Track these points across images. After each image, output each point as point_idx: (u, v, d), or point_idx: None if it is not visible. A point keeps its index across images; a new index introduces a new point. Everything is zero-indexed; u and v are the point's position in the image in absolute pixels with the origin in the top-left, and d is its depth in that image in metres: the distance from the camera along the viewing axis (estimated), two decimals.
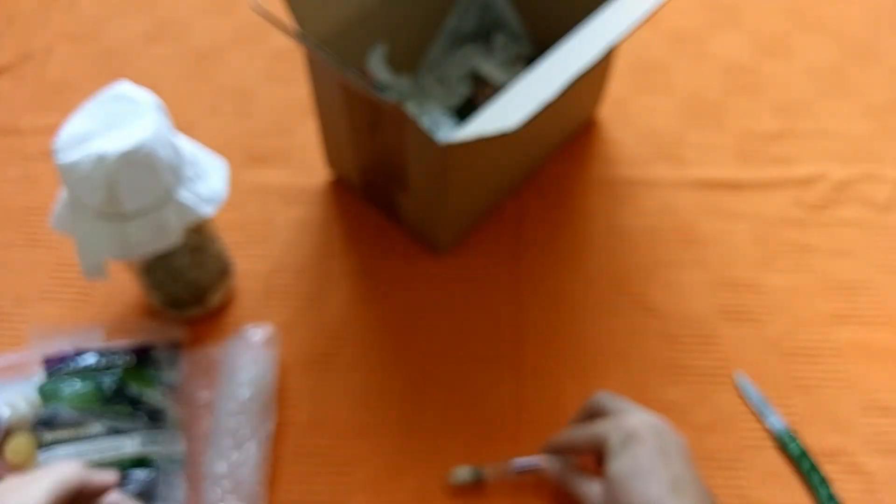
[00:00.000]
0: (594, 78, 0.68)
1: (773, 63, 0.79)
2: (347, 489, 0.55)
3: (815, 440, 0.57)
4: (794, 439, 0.56)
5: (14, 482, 0.43)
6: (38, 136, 0.72)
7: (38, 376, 0.55)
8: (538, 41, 0.75)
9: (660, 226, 0.68)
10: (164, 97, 0.52)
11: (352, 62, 0.67)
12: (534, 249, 0.66)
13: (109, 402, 0.53)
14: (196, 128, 0.72)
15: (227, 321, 0.62)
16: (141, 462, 0.52)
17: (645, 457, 0.47)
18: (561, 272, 0.65)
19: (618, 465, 0.47)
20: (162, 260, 0.55)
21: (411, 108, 0.72)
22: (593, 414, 0.52)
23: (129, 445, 0.52)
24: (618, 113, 0.75)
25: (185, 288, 0.59)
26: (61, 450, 0.51)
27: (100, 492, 0.46)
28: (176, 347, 0.59)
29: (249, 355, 0.57)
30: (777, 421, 0.57)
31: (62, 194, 0.51)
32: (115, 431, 0.52)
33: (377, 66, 0.70)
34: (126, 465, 0.51)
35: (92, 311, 0.62)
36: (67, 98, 0.75)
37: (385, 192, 0.65)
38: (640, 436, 0.48)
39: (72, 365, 0.55)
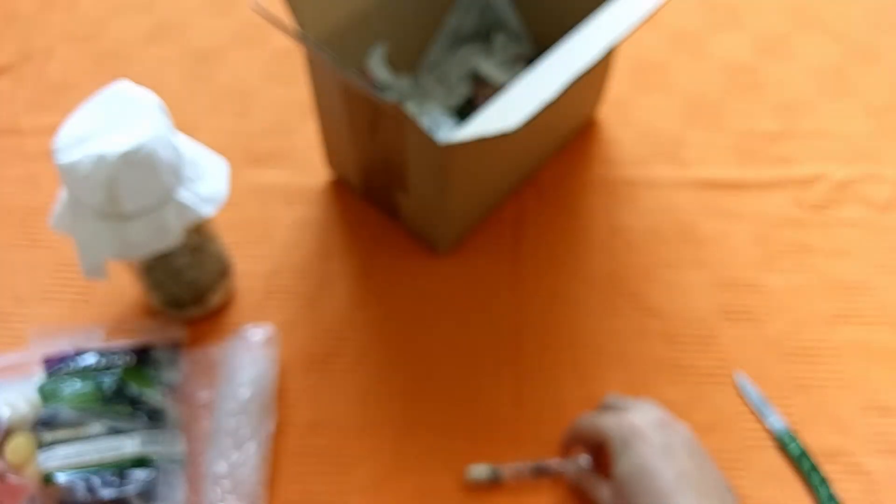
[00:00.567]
0: (594, 78, 0.68)
1: (773, 63, 0.79)
2: (347, 489, 0.55)
3: (815, 440, 0.57)
4: (794, 439, 0.56)
5: None
6: (38, 136, 0.72)
7: (38, 376, 0.55)
8: (538, 41, 0.75)
9: (660, 226, 0.68)
10: (164, 97, 0.52)
11: (352, 62, 0.67)
12: (534, 249, 0.66)
13: (109, 402, 0.53)
14: (196, 128, 0.72)
15: (227, 321, 0.62)
16: (141, 462, 0.52)
17: (648, 455, 0.46)
18: (561, 272, 0.65)
19: (622, 465, 0.47)
20: (162, 260, 0.55)
21: (411, 108, 0.72)
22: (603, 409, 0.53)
23: (129, 445, 0.52)
24: (618, 113, 0.75)
25: (185, 288, 0.59)
26: (61, 450, 0.51)
27: None
28: (176, 347, 0.59)
29: (249, 355, 0.57)
30: (777, 421, 0.57)
31: (62, 194, 0.51)
32: (115, 431, 0.52)
33: (377, 66, 0.70)
34: (126, 465, 0.51)
35: (92, 311, 0.62)
36: (67, 98, 0.75)
37: (385, 192, 0.65)
38: (642, 434, 0.47)
39: (72, 365, 0.55)
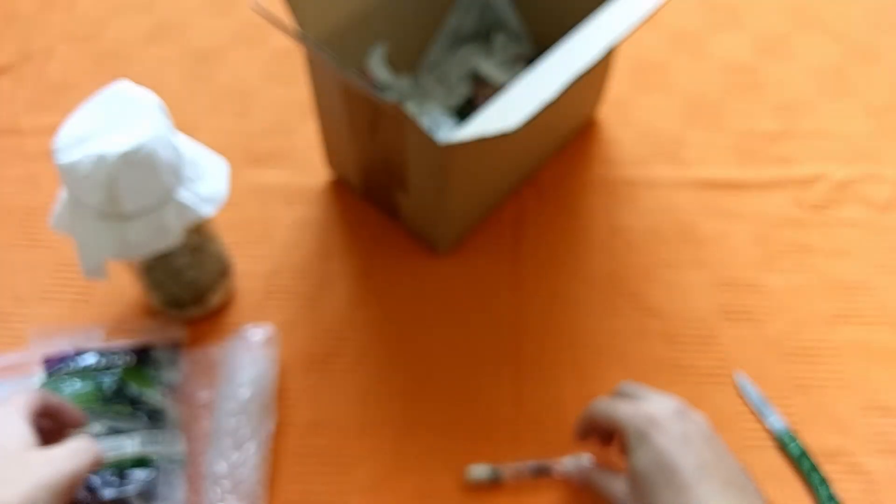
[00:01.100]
0: (594, 78, 0.68)
1: (773, 63, 0.79)
2: (347, 489, 0.55)
3: (815, 440, 0.57)
4: (794, 439, 0.56)
5: None
6: (38, 136, 0.72)
7: (38, 376, 0.55)
8: (538, 41, 0.75)
9: (660, 226, 0.68)
10: (164, 97, 0.52)
11: (352, 62, 0.67)
12: (534, 249, 0.66)
13: (109, 402, 0.53)
14: (196, 128, 0.72)
15: (227, 321, 0.62)
16: (141, 462, 0.52)
17: (667, 446, 0.45)
18: (561, 272, 0.65)
19: (640, 458, 0.45)
20: (162, 260, 0.55)
21: (411, 108, 0.72)
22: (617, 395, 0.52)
23: (129, 445, 0.52)
24: (618, 113, 0.75)
25: (185, 288, 0.59)
26: None
27: (70, 422, 0.49)
28: (176, 347, 0.59)
29: (249, 355, 0.57)
30: (777, 421, 0.57)
31: (62, 194, 0.51)
32: (115, 431, 0.52)
33: (377, 66, 0.70)
34: (126, 465, 0.51)
35: (92, 311, 0.62)
36: (67, 98, 0.75)
37: (385, 192, 0.65)
38: (659, 424, 0.46)
39: (72, 365, 0.55)
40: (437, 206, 0.60)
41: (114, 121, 0.48)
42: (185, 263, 0.57)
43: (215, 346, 0.59)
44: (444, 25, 0.75)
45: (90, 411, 0.52)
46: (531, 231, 0.67)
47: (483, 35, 0.77)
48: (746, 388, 0.59)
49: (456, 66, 0.75)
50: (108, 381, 0.54)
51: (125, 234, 0.50)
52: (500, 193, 0.68)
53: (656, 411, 0.47)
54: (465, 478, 0.55)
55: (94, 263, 0.52)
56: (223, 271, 0.61)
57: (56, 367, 0.55)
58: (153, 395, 0.55)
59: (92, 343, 0.58)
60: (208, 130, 0.73)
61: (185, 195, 0.51)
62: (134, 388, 0.54)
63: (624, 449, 0.48)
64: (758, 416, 0.58)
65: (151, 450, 0.52)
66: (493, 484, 0.54)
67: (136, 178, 0.48)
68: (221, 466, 0.53)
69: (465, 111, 0.73)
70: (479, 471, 0.54)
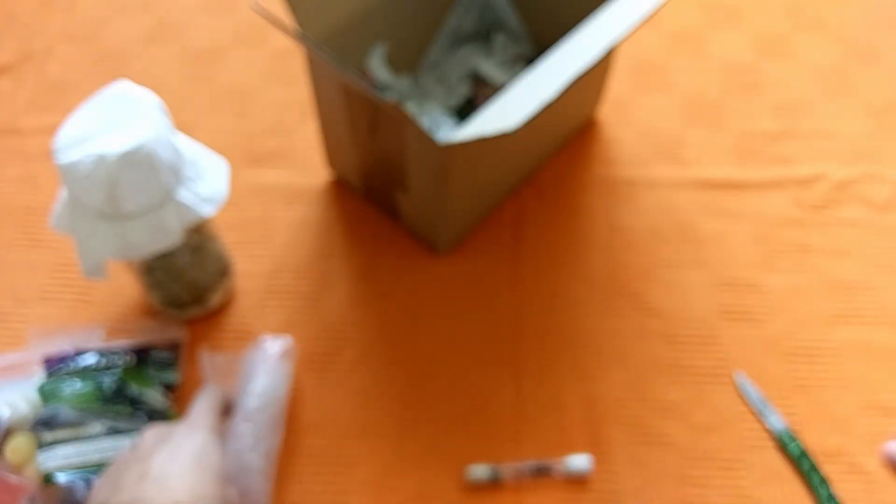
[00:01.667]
0: (594, 78, 0.68)
1: (773, 63, 0.79)
2: (347, 489, 0.55)
3: (815, 440, 0.57)
4: (794, 439, 0.56)
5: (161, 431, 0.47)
6: (38, 136, 0.72)
7: (38, 376, 0.55)
8: (538, 41, 0.75)
9: (660, 226, 0.68)
10: (164, 97, 0.52)
11: (352, 62, 0.67)
12: (533, 249, 0.66)
13: (109, 402, 0.53)
14: (196, 128, 0.72)
15: (227, 321, 0.62)
16: None
17: None
18: (561, 272, 0.65)
19: None
20: (162, 260, 0.55)
21: (411, 108, 0.72)
22: None
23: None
24: (618, 113, 0.75)
25: (185, 288, 0.59)
26: (61, 450, 0.51)
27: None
28: (176, 347, 0.59)
29: (265, 366, 0.56)
30: (777, 421, 0.57)
31: (62, 194, 0.51)
32: (115, 431, 0.52)
33: (377, 66, 0.70)
34: None
35: (92, 311, 0.62)
36: (67, 98, 0.75)
37: (385, 192, 0.65)
38: None
39: (72, 365, 0.55)
40: (437, 206, 0.60)
41: (114, 121, 0.48)
42: (185, 263, 0.57)
43: (235, 354, 0.58)
44: (444, 25, 0.75)
45: (90, 411, 0.53)
46: (531, 231, 0.67)
47: (483, 35, 0.77)
48: (746, 388, 0.59)
49: (456, 66, 0.75)
50: (108, 381, 0.54)
51: (125, 234, 0.50)
52: (500, 193, 0.68)
53: None
54: (465, 478, 0.55)
55: (94, 263, 0.52)
56: (223, 271, 0.61)
57: (56, 367, 0.55)
58: (153, 395, 0.55)
59: (92, 343, 0.58)
60: (208, 130, 0.73)
61: (185, 195, 0.51)
62: (134, 388, 0.54)
63: None
64: (758, 416, 0.58)
65: None
66: (493, 484, 0.55)
67: (136, 178, 0.48)
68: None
69: (465, 111, 0.73)
70: (479, 471, 0.54)
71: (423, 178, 0.58)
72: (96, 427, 0.52)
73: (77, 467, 0.51)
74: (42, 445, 0.52)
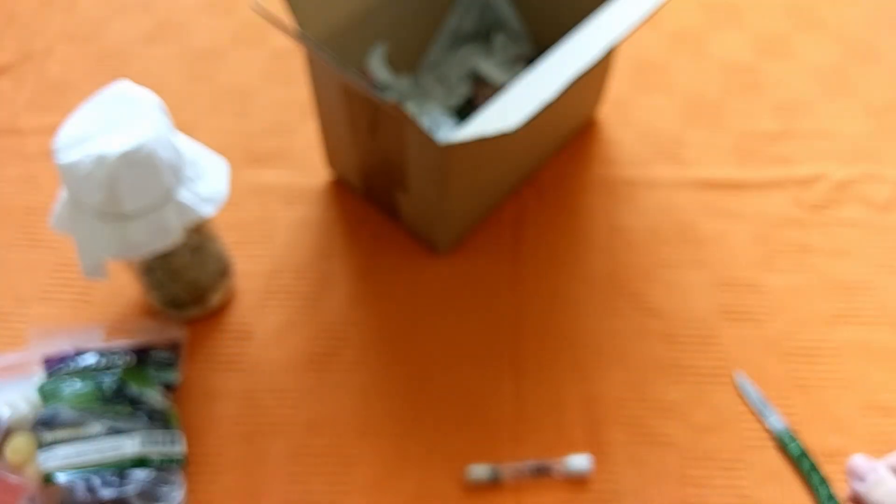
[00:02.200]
0: (594, 78, 0.68)
1: (773, 63, 0.79)
2: (347, 489, 0.55)
3: (815, 440, 0.57)
4: (794, 439, 0.56)
5: None
6: (38, 136, 0.72)
7: (38, 376, 0.55)
8: (538, 41, 0.75)
9: (660, 226, 0.68)
10: (164, 97, 0.52)
11: (352, 62, 0.67)
12: (533, 249, 0.66)
13: (109, 402, 0.53)
14: (196, 128, 0.72)
15: (227, 321, 0.62)
16: (141, 462, 0.52)
17: None
18: (561, 272, 0.65)
19: None
20: (162, 260, 0.55)
21: (411, 108, 0.72)
22: None
23: (129, 445, 0.52)
24: (618, 113, 0.75)
25: (185, 288, 0.59)
26: (61, 450, 0.51)
27: None
28: (176, 348, 0.59)
29: None
30: (777, 421, 0.57)
31: (62, 194, 0.51)
32: (115, 431, 0.52)
33: (377, 66, 0.70)
34: (126, 465, 0.51)
35: (92, 311, 0.62)
36: (67, 98, 0.75)
37: (385, 192, 0.65)
38: None
39: (72, 365, 0.55)
40: (437, 206, 0.60)
41: (114, 121, 0.48)
42: (185, 263, 0.57)
43: None
44: (444, 25, 0.75)
45: (90, 411, 0.53)
46: (531, 231, 0.67)
47: (483, 35, 0.77)
48: (746, 388, 0.59)
49: (456, 66, 0.75)
50: (108, 381, 0.54)
51: (125, 234, 0.50)
52: (500, 193, 0.68)
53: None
54: (465, 478, 0.55)
55: (94, 263, 0.52)
56: (223, 271, 0.61)
57: (56, 367, 0.55)
58: (153, 395, 0.55)
59: (92, 343, 0.58)
60: (208, 130, 0.73)
61: (185, 195, 0.51)
62: (134, 388, 0.54)
63: None
64: (758, 416, 0.58)
65: (151, 450, 0.52)
66: (493, 484, 0.55)
67: (136, 178, 0.48)
68: None
69: (465, 111, 0.73)
70: (479, 471, 0.54)
71: (423, 178, 0.58)
72: (96, 427, 0.52)
73: (77, 467, 0.51)
74: (42, 445, 0.52)
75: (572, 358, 0.61)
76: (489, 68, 0.73)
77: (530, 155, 0.68)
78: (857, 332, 0.62)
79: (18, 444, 0.52)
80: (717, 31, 0.82)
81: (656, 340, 0.61)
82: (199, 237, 0.57)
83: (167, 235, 0.51)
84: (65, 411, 0.52)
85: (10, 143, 0.73)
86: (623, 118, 0.75)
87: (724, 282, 0.64)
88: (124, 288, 0.63)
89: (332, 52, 0.62)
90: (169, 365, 0.58)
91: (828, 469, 0.55)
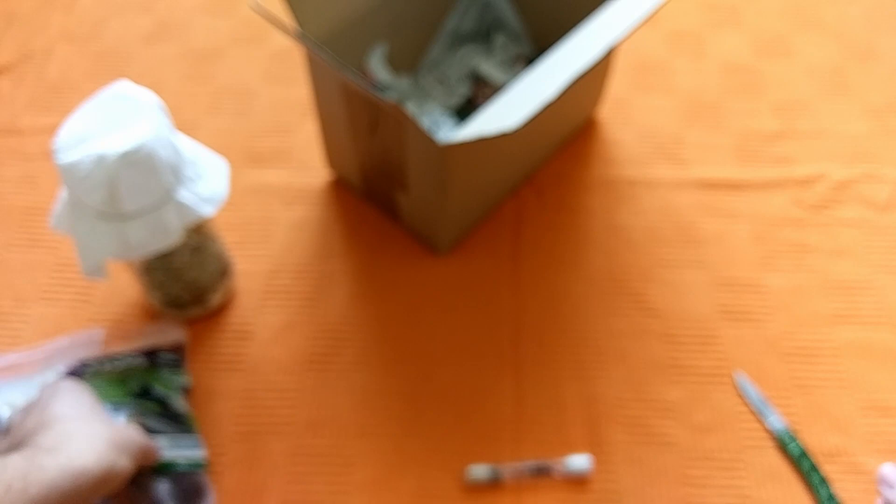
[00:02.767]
0: (594, 78, 0.68)
1: (773, 63, 0.79)
2: (347, 489, 0.55)
3: (815, 440, 0.57)
4: (794, 439, 0.56)
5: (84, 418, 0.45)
6: (38, 136, 0.72)
7: (38, 377, 0.55)
8: (538, 41, 0.75)
9: (660, 226, 0.68)
10: (164, 97, 0.52)
11: (352, 62, 0.68)
12: (533, 249, 0.66)
13: (139, 397, 0.53)
14: (196, 128, 0.72)
15: (227, 321, 0.62)
16: (166, 467, 0.51)
17: None
18: (561, 272, 0.65)
19: None
20: (162, 260, 0.55)
21: (411, 108, 0.72)
22: None
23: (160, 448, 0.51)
24: (618, 113, 0.75)
25: (186, 288, 0.59)
26: None
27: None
28: (180, 349, 0.59)
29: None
30: (777, 421, 0.57)
31: (62, 194, 0.51)
32: (146, 429, 0.52)
33: (377, 66, 0.70)
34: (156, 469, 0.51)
35: (92, 312, 0.62)
36: (67, 98, 0.75)
37: (385, 192, 0.65)
38: None
39: (90, 370, 0.55)
40: (437, 206, 0.60)
41: (114, 121, 0.48)
42: (185, 263, 0.57)
43: None
44: (444, 25, 0.75)
45: (122, 404, 0.52)
46: (531, 231, 0.67)
47: (483, 35, 0.77)
48: (746, 388, 0.59)
49: (456, 66, 0.75)
50: (133, 383, 0.54)
51: (125, 234, 0.50)
52: (500, 193, 0.68)
53: None
54: (465, 478, 0.55)
55: (94, 263, 0.52)
56: (223, 271, 0.61)
57: (79, 371, 0.55)
58: (176, 399, 0.55)
59: (100, 348, 0.58)
60: (208, 130, 0.73)
61: (185, 195, 0.51)
62: (160, 390, 0.54)
63: None
64: (758, 416, 0.58)
65: (176, 454, 0.52)
66: (493, 484, 0.55)
67: (136, 178, 0.48)
68: None
69: (465, 111, 0.73)
70: (479, 471, 0.54)
71: (423, 178, 0.58)
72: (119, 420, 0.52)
73: None
74: None
75: (572, 358, 0.61)
76: (489, 68, 0.74)
77: (530, 155, 0.68)
78: (857, 332, 0.62)
79: None
80: (716, 31, 0.82)
81: (656, 340, 0.61)
82: (199, 237, 0.57)
83: (167, 235, 0.51)
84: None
85: (10, 143, 0.73)
86: (623, 118, 0.75)
87: (723, 282, 0.65)
88: (124, 288, 0.63)
89: (332, 52, 0.62)
90: (177, 367, 0.57)
91: (827, 469, 0.55)
